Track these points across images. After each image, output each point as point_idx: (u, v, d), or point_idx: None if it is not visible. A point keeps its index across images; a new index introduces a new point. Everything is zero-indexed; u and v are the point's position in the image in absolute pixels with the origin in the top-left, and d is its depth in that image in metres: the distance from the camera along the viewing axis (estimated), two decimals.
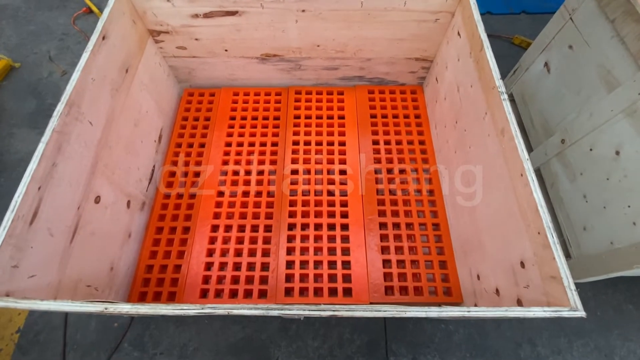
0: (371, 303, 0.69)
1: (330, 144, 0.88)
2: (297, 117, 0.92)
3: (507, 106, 0.54)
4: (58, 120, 0.53)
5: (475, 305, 0.63)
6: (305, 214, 0.78)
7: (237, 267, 0.73)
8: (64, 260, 0.54)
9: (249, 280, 0.72)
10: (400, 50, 0.85)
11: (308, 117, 0.92)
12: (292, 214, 0.78)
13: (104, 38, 0.64)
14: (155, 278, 0.71)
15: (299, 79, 0.96)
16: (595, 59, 0.74)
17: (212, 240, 0.76)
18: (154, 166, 0.82)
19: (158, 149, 0.85)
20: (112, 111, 0.67)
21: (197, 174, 0.84)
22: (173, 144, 0.87)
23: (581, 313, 0.40)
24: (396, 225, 0.78)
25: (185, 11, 0.75)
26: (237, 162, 0.85)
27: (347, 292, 0.70)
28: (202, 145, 0.88)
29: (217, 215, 0.79)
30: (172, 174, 0.84)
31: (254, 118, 0.92)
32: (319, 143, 0.88)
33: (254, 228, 0.77)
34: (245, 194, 0.81)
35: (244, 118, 0.92)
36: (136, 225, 0.75)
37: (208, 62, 0.89)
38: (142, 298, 0.70)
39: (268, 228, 0.77)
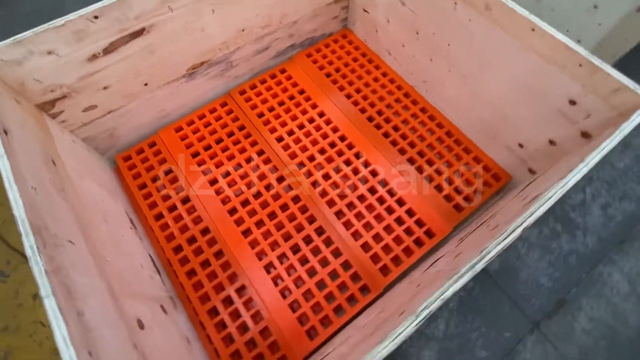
0: (455, 228, 0.69)
1: (311, 121, 0.81)
2: (261, 115, 0.81)
3: None
4: (42, 258, 0.35)
5: (531, 171, 0.68)
6: (342, 196, 0.72)
7: (321, 285, 0.64)
8: None
9: (342, 287, 0.64)
10: None
11: (271, 109, 0.82)
12: (330, 204, 0.71)
13: (6, 133, 0.44)
14: (243, 347, 0.58)
15: (235, 79, 0.84)
16: None
17: (271, 273, 0.64)
18: (149, 255, 0.64)
19: (140, 234, 0.66)
20: (77, 216, 0.48)
21: (205, 231, 0.68)
22: (151, 219, 0.69)
23: None
24: (420, 153, 0.77)
25: (77, 57, 0.56)
26: (237, 193, 0.72)
27: (428, 234, 0.68)
28: (186, 201, 0.72)
29: (260, 255, 0.66)
30: (178, 249, 0.67)
31: (219, 141, 0.78)
32: (300, 126, 0.80)
33: (307, 239, 0.68)
34: (272, 215, 0.70)
35: (207, 148, 0.77)
36: (184, 325, 0.58)
37: (129, 110, 0.71)
38: None
39: (319, 231, 0.68)
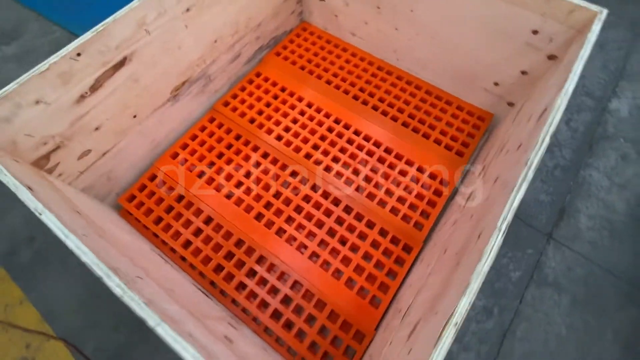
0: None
1: (302, 113, 0.83)
2: (252, 120, 0.81)
3: None
4: (134, 292, 0.34)
5: (510, 103, 0.76)
6: (356, 172, 0.75)
7: (366, 257, 0.66)
8: None
9: (386, 252, 0.67)
10: None
11: (260, 112, 0.83)
12: (348, 182, 0.73)
13: (31, 189, 0.41)
14: (317, 336, 0.59)
15: (215, 92, 0.83)
16: None
17: (317, 261, 0.66)
18: (192, 283, 0.62)
19: (174, 267, 0.64)
20: (127, 257, 0.46)
21: (239, 243, 0.68)
22: (180, 249, 0.67)
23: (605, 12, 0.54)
24: (411, 116, 0.82)
25: (65, 101, 0.53)
26: (257, 198, 0.72)
27: (443, 183, 0.74)
28: (209, 221, 0.70)
29: (301, 249, 0.67)
30: (219, 268, 0.66)
31: (220, 155, 0.77)
32: (294, 121, 0.81)
33: (339, 220, 0.70)
34: (298, 209, 0.71)
35: (211, 165, 0.76)
36: (252, 336, 0.58)
37: (122, 148, 0.67)
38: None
39: (347, 210, 0.71)
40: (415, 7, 0.73)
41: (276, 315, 0.62)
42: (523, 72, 0.69)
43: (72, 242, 0.36)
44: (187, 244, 0.68)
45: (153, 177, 0.74)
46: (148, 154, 0.74)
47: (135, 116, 0.66)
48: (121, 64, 0.58)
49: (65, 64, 0.50)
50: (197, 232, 0.69)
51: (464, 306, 0.33)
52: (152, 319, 0.32)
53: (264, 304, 0.63)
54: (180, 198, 0.72)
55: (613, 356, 0.70)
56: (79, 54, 0.51)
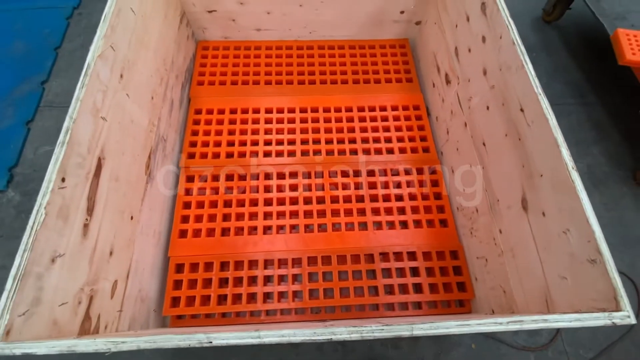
0: None
1: (269, 121, 0.80)
2: (230, 155, 0.76)
3: None
4: (373, 326, 0.32)
5: (417, 22, 0.88)
6: (340, 142, 0.78)
7: (411, 197, 0.73)
8: None
9: (422, 183, 0.74)
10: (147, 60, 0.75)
11: (230, 143, 0.77)
12: (343, 151, 0.77)
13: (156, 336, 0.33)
14: (438, 280, 0.65)
15: (172, 151, 0.73)
16: None
17: (383, 228, 0.70)
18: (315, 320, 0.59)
19: (276, 319, 0.59)
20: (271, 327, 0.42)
21: (342, 259, 0.66)
22: (260, 307, 0.62)
23: None
24: (354, 72, 0.88)
25: (75, 239, 0.42)
26: (294, 215, 0.70)
27: (417, 107, 0.83)
28: (268, 265, 0.65)
29: (375, 224, 0.69)
30: (274, 296, 0.63)
31: (228, 204, 0.70)
32: (268, 132, 0.79)
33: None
34: (347, 199, 0.72)
35: (226, 217, 0.69)
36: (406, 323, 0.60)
37: (137, 259, 0.56)
38: None
39: (376, 172, 0.75)
40: None
41: (389, 290, 0.65)
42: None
43: (268, 335, 0.32)
44: (268, 296, 0.63)
45: (179, 268, 0.64)
46: (158, 249, 0.64)
47: (132, 217, 0.55)
48: (99, 167, 0.47)
49: (57, 198, 0.39)
50: (268, 280, 0.64)
51: (568, 155, 0.42)
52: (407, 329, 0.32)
53: (370, 290, 0.65)
54: (224, 265, 0.65)
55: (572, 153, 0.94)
56: (63, 179, 0.40)
